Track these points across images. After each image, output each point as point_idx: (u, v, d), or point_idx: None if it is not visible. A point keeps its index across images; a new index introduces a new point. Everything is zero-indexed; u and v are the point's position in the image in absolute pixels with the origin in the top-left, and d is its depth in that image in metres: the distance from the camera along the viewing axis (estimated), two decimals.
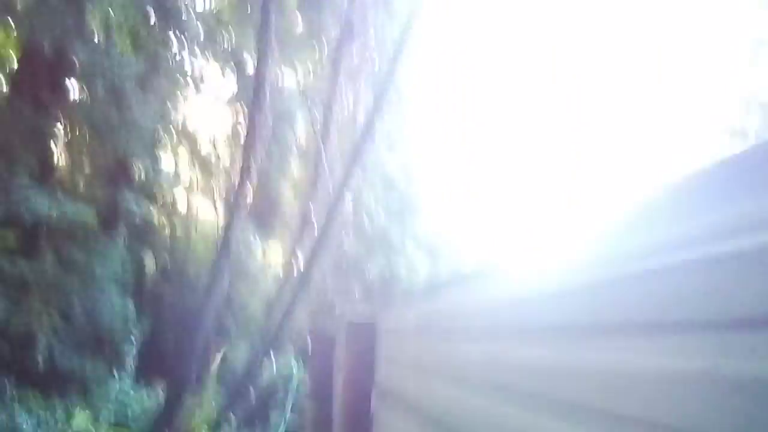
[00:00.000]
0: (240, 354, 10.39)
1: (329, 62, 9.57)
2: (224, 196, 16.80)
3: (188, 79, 11.15)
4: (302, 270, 8.62)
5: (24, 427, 7.45)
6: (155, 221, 13.91)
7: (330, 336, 6.67)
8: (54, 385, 9.05)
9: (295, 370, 8.23)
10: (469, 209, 15.62)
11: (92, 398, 9.48)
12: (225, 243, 6.85)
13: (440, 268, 18.12)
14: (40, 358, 8.63)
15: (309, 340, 7.26)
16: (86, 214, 8.78)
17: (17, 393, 8.28)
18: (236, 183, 7.50)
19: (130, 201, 11.18)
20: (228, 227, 6.91)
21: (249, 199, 7.56)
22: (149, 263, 12.31)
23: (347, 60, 9.15)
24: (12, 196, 7.41)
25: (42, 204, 7.69)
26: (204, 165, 14.80)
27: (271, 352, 8.83)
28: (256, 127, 6.96)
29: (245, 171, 7.07)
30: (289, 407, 7.42)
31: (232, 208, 7.34)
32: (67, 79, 9.55)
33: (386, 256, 14.70)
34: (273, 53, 6.92)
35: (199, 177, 15.67)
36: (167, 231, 15.25)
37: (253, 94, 6.77)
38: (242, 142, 14.33)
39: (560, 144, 15.55)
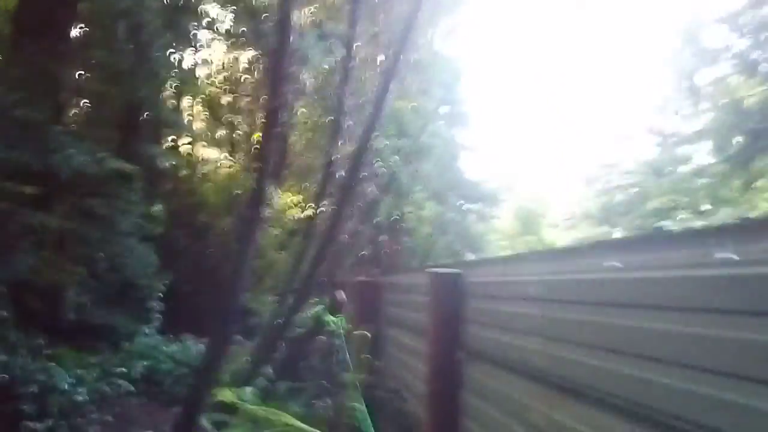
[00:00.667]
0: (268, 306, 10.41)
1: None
2: (237, 145, 16.76)
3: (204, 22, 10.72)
4: (329, 222, 8.46)
5: (63, 387, 7.44)
6: (169, 170, 13.83)
7: (376, 284, 6.69)
8: (84, 339, 9.09)
9: (333, 320, 8.20)
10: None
11: (119, 351, 9.56)
12: (257, 196, 6.65)
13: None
14: (70, 313, 8.59)
15: (347, 289, 7.24)
16: (126, 168, 8.57)
17: (50, 350, 8.30)
18: (262, 133, 7.23)
19: (145, 150, 11.02)
20: (260, 178, 6.67)
21: (274, 149, 7.29)
22: (166, 214, 12.21)
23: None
24: (49, 146, 7.17)
25: (82, 156, 7.44)
26: (216, 113, 14.61)
27: (300, 303, 8.80)
28: (280, 73, 6.63)
29: (271, 120, 6.79)
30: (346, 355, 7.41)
31: (261, 157, 7.07)
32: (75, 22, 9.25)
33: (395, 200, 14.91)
34: None
35: (212, 125, 15.51)
36: (181, 180, 15.22)
37: (277, 38, 6.42)
38: (264, 86, 14.31)
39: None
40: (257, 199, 6.63)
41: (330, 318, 8.09)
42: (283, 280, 12.68)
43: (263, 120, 14.89)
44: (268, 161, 6.82)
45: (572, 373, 2.25)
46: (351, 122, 8.78)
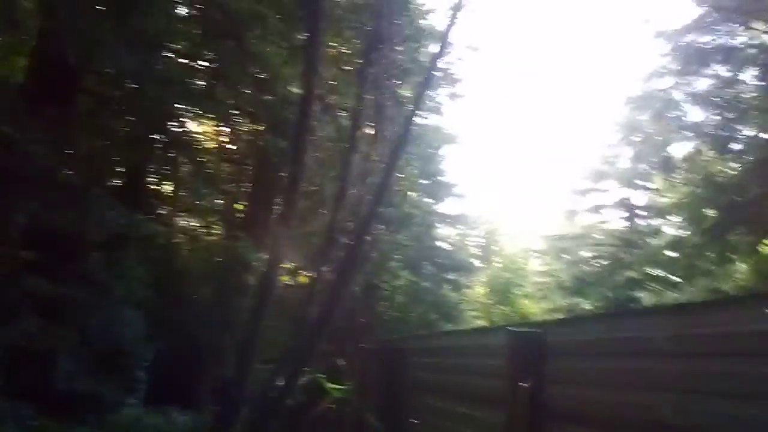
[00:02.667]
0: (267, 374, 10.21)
1: (356, 72, 9.53)
2: (220, 213, 16.74)
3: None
4: (333, 287, 8.49)
5: None
6: (153, 237, 13.69)
7: (398, 349, 6.66)
8: (70, 409, 8.74)
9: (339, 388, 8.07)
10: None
11: (106, 423, 9.20)
12: (270, 270, 6.71)
13: None
14: (61, 382, 8.30)
15: (369, 354, 7.19)
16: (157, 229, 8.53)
17: (36, 421, 7.97)
18: (283, 199, 7.35)
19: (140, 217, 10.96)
20: (274, 246, 6.75)
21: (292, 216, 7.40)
22: (156, 280, 12.03)
23: (374, 69, 9.13)
24: (88, 209, 7.14)
25: (119, 218, 7.42)
26: (208, 180, 14.65)
27: (300, 371, 8.67)
28: (302, 142, 6.84)
29: (292, 187, 6.93)
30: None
31: (280, 223, 7.17)
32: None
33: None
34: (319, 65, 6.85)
35: (203, 192, 15.51)
36: (164, 248, 15.05)
37: (300, 109, 6.65)
38: (251, 156, 14.51)
39: None
40: (272, 264, 6.67)
41: (333, 386, 7.98)
42: (270, 347, 12.48)
43: (253, 188, 15.14)
44: (286, 225, 6.89)
45: (716, 426, 2.29)
46: (354, 191, 8.97)
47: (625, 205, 24.38)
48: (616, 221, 25.25)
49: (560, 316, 26.31)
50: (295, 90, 11.07)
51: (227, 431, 6.81)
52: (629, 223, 24.08)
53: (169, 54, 9.23)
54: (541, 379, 3.24)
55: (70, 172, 7.27)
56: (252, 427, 8.53)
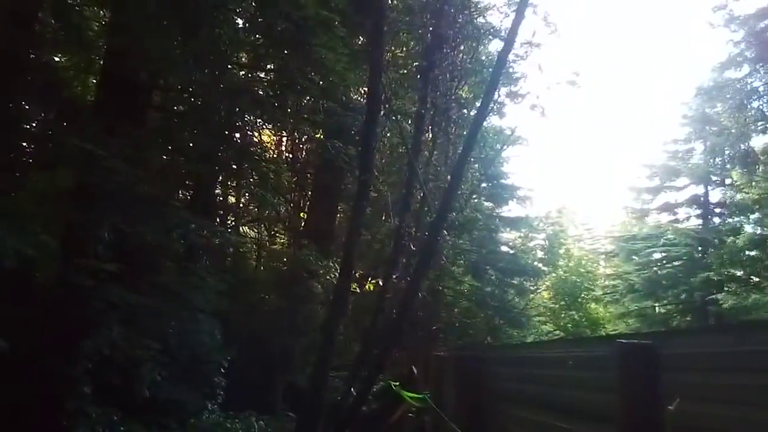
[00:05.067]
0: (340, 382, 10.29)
1: (417, 75, 9.51)
2: (286, 222, 17.01)
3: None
4: (404, 294, 8.46)
5: None
6: (225, 247, 14.01)
7: (479, 357, 6.54)
8: (153, 415, 9.03)
9: (416, 396, 8.00)
10: None
11: (189, 428, 9.46)
12: (344, 278, 6.75)
13: None
14: (145, 389, 8.57)
15: (445, 362, 7.12)
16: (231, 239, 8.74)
17: (124, 426, 8.27)
18: (352, 215, 7.40)
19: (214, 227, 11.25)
20: (347, 253, 6.78)
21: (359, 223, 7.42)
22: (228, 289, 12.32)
23: (437, 74, 9.09)
24: (169, 222, 7.41)
25: (197, 230, 7.67)
26: (272, 189, 14.91)
27: (374, 378, 8.67)
28: (370, 148, 6.86)
29: (361, 193, 6.95)
30: None
31: (350, 230, 7.19)
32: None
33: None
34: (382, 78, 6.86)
35: (268, 202, 15.81)
36: (234, 257, 15.41)
37: (367, 115, 6.67)
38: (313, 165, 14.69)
39: None
40: (345, 272, 6.70)
41: (411, 395, 7.89)
42: (344, 355, 12.54)
43: (314, 196, 15.31)
44: (357, 233, 6.92)
45: None
46: (419, 195, 8.93)
47: (699, 202, 23.40)
48: (690, 220, 24.27)
49: (632, 320, 25.44)
50: (356, 97, 11.16)
51: None
52: (704, 221, 23.06)
53: (235, 65, 9.43)
54: (655, 395, 3.08)
55: (147, 186, 7.50)
56: None
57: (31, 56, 8.48)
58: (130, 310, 8.45)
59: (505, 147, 20.15)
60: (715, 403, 2.89)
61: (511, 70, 15.89)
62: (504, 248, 22.67)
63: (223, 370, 10.67)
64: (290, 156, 16.76)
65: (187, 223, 7.57)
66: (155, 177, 9.76)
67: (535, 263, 24.76)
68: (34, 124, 9.05)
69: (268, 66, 9.50)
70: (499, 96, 16.20)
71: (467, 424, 5.89)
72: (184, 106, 9.72)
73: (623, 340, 3.40)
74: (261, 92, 9.25)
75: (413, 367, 8.85)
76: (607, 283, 28.29)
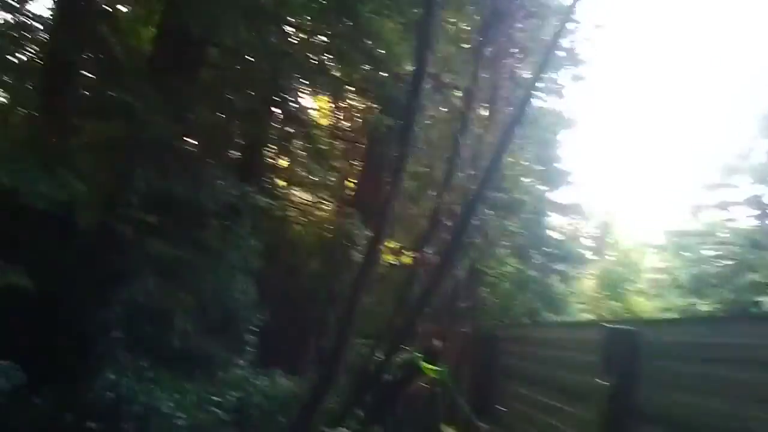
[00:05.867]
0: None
1: (471, 50, 9.27)
2: (332, 189, 17.07)
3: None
4: (435, 269, 8.40)
5: (164, 410, 7.61)
6: (266, 209, 14.18)
7: (493, 336, 6.60)
8: (181, 365, 9.29)
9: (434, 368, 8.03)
10: None
11: (215, 380, 9.70)
12: (372, 248, 6.72)
13: None
14: (176, 340, 8.82)
15: (467, 339, 7.13)
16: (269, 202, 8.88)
17: (153, 373, 8.52)
18: (392, 177, 7.34)
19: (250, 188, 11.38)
20: (380, 221, 6.75)
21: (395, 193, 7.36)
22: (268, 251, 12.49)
23: (489, 50, 8.83)
24: (202, 178, 7.55)
25: (227, 193, 7.80)
26: (319, 157, 14.95)
27: (398, 348, 8.71)
28: (411, 120, 6.75)
29: (399, 165, 6.88)
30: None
31: (385, 200, 7.16)
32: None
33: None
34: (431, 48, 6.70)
35: (309, 168, 15.90)
36: (276, 220, 15.58)
37: (410, 94, 6.57)
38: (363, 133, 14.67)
39: None
40: (375, 243, 6.69)
41: (431, 367, 7.92)
42: (370, 324, 12.63)
43: (365, 166, 15.29)
44: (392, 205, 6.87)
45: None
46: (464, 173, 8.79)
47: (756, 202, 22.39)
48: (746, 220, 23.28)
49: (674, 316, 24.80)
50: (409, 68, 10.98)
51: (322, 397, 6.95)
52: (760, 222, 22.08)
53: (287, 28, 9.38)
54: (631, 379, 3.05)
55: (188, 142, 7.60)
56: (349, 397, 8.72)
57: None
58: (167, 263, 8.68)
59: (561, 130, 19.69)
60: (681, 390, 2.85)
61: (574, 51, 15.42)
62: (552, 233, 22.27)
63: (254, 328, 10.86)
64: (342, 125, 16.74)
65: (217, 181, 7.64)
66: (201, 134, 9.92)
67: (582, 251, 24.35)
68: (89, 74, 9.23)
69: (319, 31, 9.42)
70: (557, 76, 15.80)
71: (477, 397, 5.93)
72: (234, 65, 9.75)
73: (606, 324, 3.40)
74: (311, 58, 9.22)
75: (438, 342, 8.83)
76: (653, 277, 27.54)
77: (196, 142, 8.85)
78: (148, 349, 8.64)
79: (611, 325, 3.42)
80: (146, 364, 8.53)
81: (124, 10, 10.61)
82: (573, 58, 15.08)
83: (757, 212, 22.68)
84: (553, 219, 22.82)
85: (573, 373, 3.89)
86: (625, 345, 3.21)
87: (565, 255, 21.58)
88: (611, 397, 3.18)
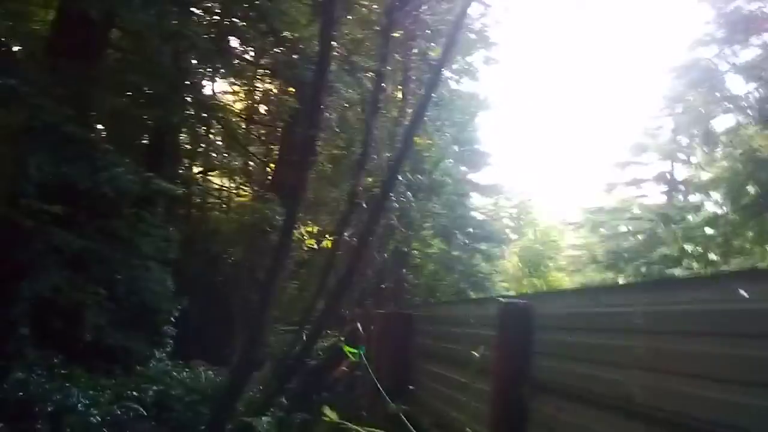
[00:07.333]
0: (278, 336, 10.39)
1: (380, 32, 9.32)
2: (251, 174, 16.84)
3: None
4: (353, 252, 8.46)
5: (78, 407, 7.38)
6: (183, 196, 13.86)
7: (408, 316, 6.71)
8: (98, 361, 9.00)
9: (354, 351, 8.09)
10: None
11: (134, 374, 9.46)
12: (288, 225, 6.70)
13: None
14: (88, 334, 8.53)
15: (385, 320, 7.23)
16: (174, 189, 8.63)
17: (65, 369, 8.24)
18: (299, 161, 7.31)
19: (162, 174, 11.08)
20: (291, 207, 6.73)
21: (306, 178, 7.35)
22: (187, 240, 12.22)
23: (398, 30, 8.89)
24: (97, 164, 7.23)
25: (127, 179, 7.51)
26: (231, 142, 14.70)
27: (319, 333, 8.74)
28: (318, 103, 6.74)
29: (308, 149, 6.86)
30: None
31: (294, 185, 7.13)
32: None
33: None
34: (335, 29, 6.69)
35: (226, 154, 15.63)
36: (194, 207, 15.26)
37: (316, 69, 6.54)
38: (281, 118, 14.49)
39: None
40: (288, 228, 6.67)
41: (350, 349, 7.98)
42: (294, 310, 12.59)
43: (282, 150, 15.15)
44: (303, 189, 6.86)
45: (683, 407, 2.19)
46: (375, 156, 8.86)
47: (665, 179, 23.67)
48: (656, 195, 24.58)
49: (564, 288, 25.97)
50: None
51: (242, 386, 6.90)
52: (669, 197, 23.39)
53: (194, 11, 9.14)
54: (525, 351, 3.20)
55: (90, 128, 7.30)
56: (274, 384, 8.70)
57: None
58: (75, 254, 8.36)
59: (478, 112, 20.13)
60: (570, 360, 3.01)
61: (486, 34, 15.76)
62: (474, 214, 22.77)
63: (173, 320, 10.64)
64: (258, 109, 16.49)
65: (113, 167, 7.40)
66: (108, 119, 9.56)
67: (504, 230, 25.07)
68: None
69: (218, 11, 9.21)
70: (471, 60, 16.13)
71: (393, 377, 6.04)
72: (138, 49, 9.43)
73: (503, 299, 3.53)
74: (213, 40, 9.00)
75: (358, 324, 8.91)
76: (571, 253, 28.70)
77: (101, 128, 8.50)
78: (59, 346, 8.34)
79: (506, 300, 3.56)
80: (58, 360, 8.25)
81: None
82: (484, 41, 15.37)
83: (666, 188, 23.98)
84: (475, 200, 23.37)
85: (475, 349, 4.04)
86: (518, 318, 3.34)
87: (488, 234, 22.08)
88: (507, 368, 3.31)
